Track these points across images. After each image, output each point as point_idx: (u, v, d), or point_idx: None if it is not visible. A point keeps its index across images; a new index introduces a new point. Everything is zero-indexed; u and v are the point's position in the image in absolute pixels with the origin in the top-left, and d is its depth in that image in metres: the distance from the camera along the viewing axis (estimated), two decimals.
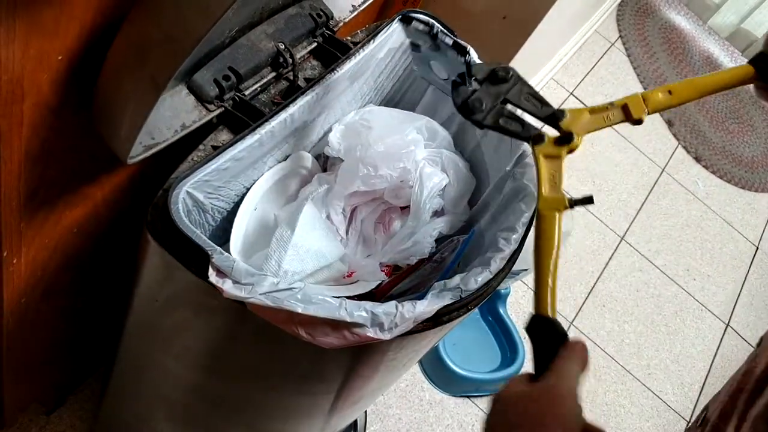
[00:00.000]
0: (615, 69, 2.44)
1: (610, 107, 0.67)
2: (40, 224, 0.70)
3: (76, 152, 0.65)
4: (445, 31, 0.90)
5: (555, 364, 0.55)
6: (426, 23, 0.88)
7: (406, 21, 0.89)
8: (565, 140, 0.66)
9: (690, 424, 1.27)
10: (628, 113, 0.67)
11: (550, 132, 0.68)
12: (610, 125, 0.67)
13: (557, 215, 0.63)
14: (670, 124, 2.43)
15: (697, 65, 2.67)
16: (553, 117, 0.67)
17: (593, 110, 0.67)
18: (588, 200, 0.64)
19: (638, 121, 0.67)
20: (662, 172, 2.25)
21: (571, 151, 0.66)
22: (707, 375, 1.82)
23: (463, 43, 0.92)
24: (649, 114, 0.67)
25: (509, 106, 0.69)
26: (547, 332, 0.57)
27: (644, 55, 2.57)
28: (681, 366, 1.80)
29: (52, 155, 0.62)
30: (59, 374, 1.10)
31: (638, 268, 1.95)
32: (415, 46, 0.92)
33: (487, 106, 0.67)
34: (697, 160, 2.38)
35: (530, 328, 0.58)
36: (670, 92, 0.67)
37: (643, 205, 2.11)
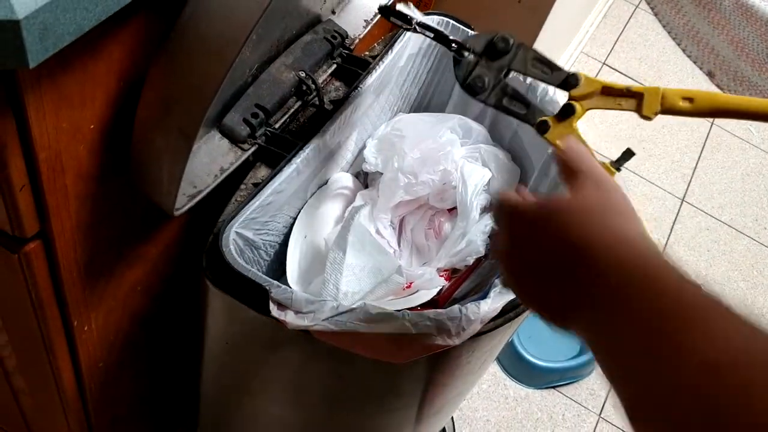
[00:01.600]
0: (644, 30, 2.38)
1: (626, 93, 0.62)
2: (103, 289, 0.71)
3: (125, 214, 0.67)
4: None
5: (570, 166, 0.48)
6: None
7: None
8: (567, 113, 0.62)
9: None
10: (640, 106, 0.62)
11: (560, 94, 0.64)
12: (619, 110, 0.62)
13: None
14: (711, 75, 2.36)
15: (728, 11, 2.59)
16: (567, 84, 0.62)
17: (607, 89, 0.62)
18: (628, 155, 0.60)
19: (647, 118, 0.62)
20: (712, 125, 2.18)
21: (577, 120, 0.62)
22: None
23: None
24: (658, 114, 0.61)
25: (513, 82, 0.64)
26: None
27: (671, 11, 2.50)
28: None
29: (102, 221, 0.64)
30: (147, 429, 1.13)
31: (705, 228, 1.89)
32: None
33: (490, 83, 0.63)
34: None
35: None
36: (690, 100, 0.61)
37: (697, 162, 2.05)
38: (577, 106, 0.62)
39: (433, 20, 0.90)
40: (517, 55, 0.63)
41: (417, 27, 0.68)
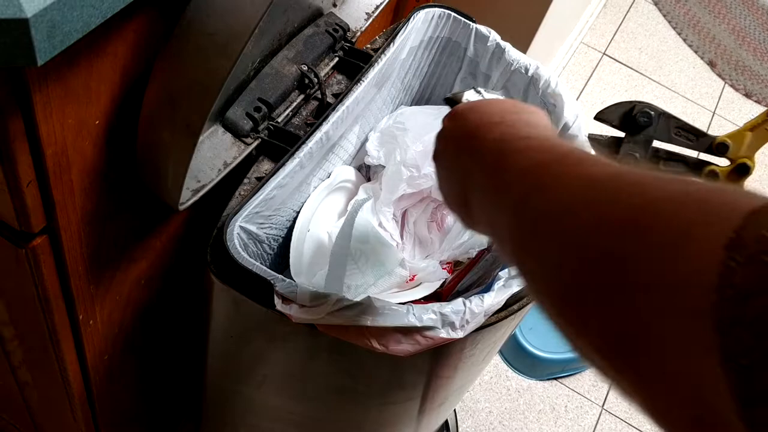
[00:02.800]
0: (644, 20, 2.38)
1: None
2: (108, 282, 0.72)
3: (130, 208, 0.67)
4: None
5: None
6: None
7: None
8: (743, 171, 0.61)
9: None
10: None
11: (713, 159, 0.62)
12: None
13: None
14: (712, 65, 2.36)
15: (729, 1, 2.58)
16: (717, 150, 0.62)
17: (752, 127, 0.62)
18: None
19: None
20: (713, 115, 2.18)
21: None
22: None
23: (485, 29, 0.91)
24: None
25: (659, 144, 0.63)
26: None
27: (672, 0, 2.49)
28: None
29: (108, 216, 0.64)
30: (152, 421, 1.13)
31: None
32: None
33: (641, 156, 0.62)
34: (748, 96, 2.29)
35: None
36: None
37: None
38: (749, 163, 0.61)
39: (434, 12, 0.90)
40: (659, 125, 0.62)
41: None
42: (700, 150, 0.62)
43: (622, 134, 0.65)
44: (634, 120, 0.61)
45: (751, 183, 1.99)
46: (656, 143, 0.62)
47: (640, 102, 0.61)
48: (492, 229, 0.42)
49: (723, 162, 0.63)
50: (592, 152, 0.46)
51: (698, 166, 0.62)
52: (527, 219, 0.36)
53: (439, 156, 0.52)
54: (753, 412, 0.23)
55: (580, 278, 0.31)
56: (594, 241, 0.31)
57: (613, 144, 0.64)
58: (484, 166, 0.42)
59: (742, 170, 0.61)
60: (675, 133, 0.61)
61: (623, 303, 0.29)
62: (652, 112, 0.61)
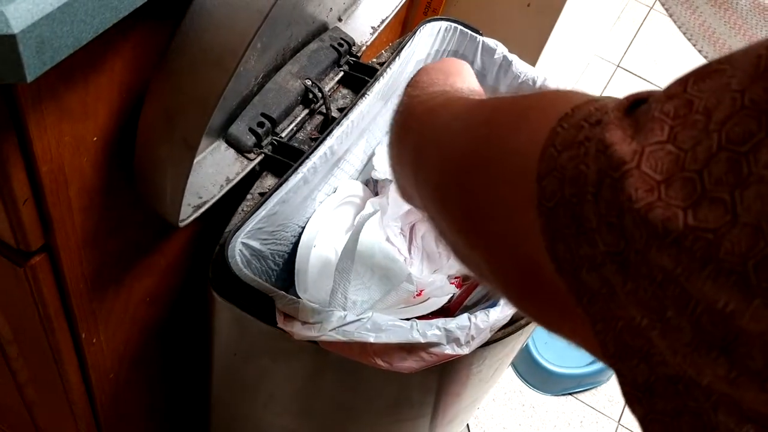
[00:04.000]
0: (659, 32, 2.36)
1: None
2: (111, 301, 0.71)
3: (131, 226, 0.67)
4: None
5: None
6: None
7: None
8: None
9: None
10: None
11: None
12: None
13: None
14: None
15: (744, 11, 2.56)
16: None
17: None
18: None
19: None
20: None
21: None
22: None
23: (492, 41, 0.90)
24: None
25: None
26: None
27: (686, 11, 2.48)
28: None
29: (108, 234, 0.64)
30: None
31: None
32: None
33: None
34: None
35: None
36: None
37: None
38: None
39: (441, 26, 0.90)
40: None
41: None
42: None
43: None
44: None
45: None
46: None
47: None
48: (402, 171, 0.49)
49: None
50: None
51: None
52: (420, 147, 0.45)
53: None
54: (554, 246, 0.29)
55: (446, 176, 0.39)
56: (456, 146, 0.39)
57: None
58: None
59: None
60: None
61: (475, 183, 0.36)
62: None
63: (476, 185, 0.36)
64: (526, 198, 0.30)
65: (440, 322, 0.64)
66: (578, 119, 0.29)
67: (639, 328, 0.26)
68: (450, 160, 0.39)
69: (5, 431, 1.01)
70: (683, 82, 0.26)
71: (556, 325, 0.33)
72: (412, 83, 0.54)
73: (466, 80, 0.54)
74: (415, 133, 0.46)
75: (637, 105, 0.28)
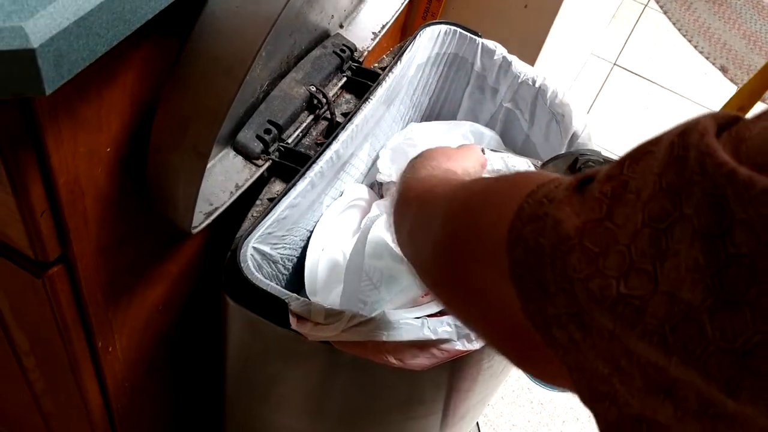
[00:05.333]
0: (654, 29, 2.37)
1: None
2: (126, 309, 0.72)
3: (144, 234, 0.68)
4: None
5: None
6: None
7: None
8: None
9: None
10: None
11: None
12: None
13: None
14: (724, 70, 2.35)
15: (739, 5, 2.58)
16: None
17: None
18: None
19: None
20: None
21: None
22: None
23: (491, 43, 0.92)
24: None
25: None
26: None
27: (681, 8, 2.49)
28: None
29: (122, 242, 0.65)
30: None
31: None
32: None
33: None
34: (762, 100, 2.28)
35: None
36: None
37: None
38: None
39: (440, 29, 0.91)
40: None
41: None
42: None
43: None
44: (579, 172, 0.60)
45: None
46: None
47: (582, 153, 0.61)
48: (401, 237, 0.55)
49: None
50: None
51: None
52: (412, 231, 0.50)
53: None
54: (528, 307, 0.32)
55: (435, 258, 0.44)
56: (441, 229, 0.44)
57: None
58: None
59: None
60: None
61: (459, 261, 0.41)
62: (594, 164, 0.60)
63: (460, 263, 0.41)
64: (502, 268, 0.34)
65: (450, 318, 0.65)
66: (540, 196, 0.33)
67: (603, 375, 0.29)
68: (436, 243, 0.44)
69: None
70: (621, 164, 0.29)
71: (552, 377, 0.36)
72: (417, 161, 0.59)
73: (462, 164, 0.59)
74: (409, 217, 0.51)
75: (585, 183, 0.31)
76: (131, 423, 0.88)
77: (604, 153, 0.81)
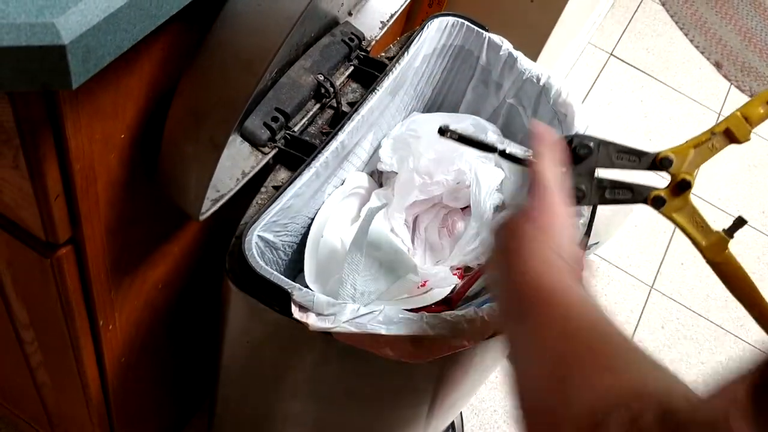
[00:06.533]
0: (651, 21, 2.38)
1: (712, 136, 0.62)
2: (128, 288, 0.73)
3: (150, 217, 0.69)
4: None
5: (530, 178, 0.56)
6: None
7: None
8: (683, 188, 0.62)
9: None
10: (732, 136, 0.62)
11: (656, 182, 0.64)
12: (717, 153, 0.63)
13: (728, 254, 0.61)
14: (718, 66, 2.36)
15: (736, 1, 2.58)
16: (660, 166, 0.62)
17: (696, 143, 0.63)
18: (741, 222, 0.62)
19: (745, 141, 0.62)
20: (718, 116, 2.19)
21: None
22: None
23: (497, 38, 0.92)
24: (751, 131, 0.62)
25: (603, 173, 0.63)
26: None
27: (679, 1, 2.50)
28: None
29: (130, 225, 0.65)
30: (165, 419, 1.15)
31: (711, 220, 1.89)
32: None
33: (587, 188, 0.62)
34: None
35: None
36: None
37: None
38: (689, 178, 0.62)
39: (448, 21, 0.91)
40: (600, 154, 0.62)
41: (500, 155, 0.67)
42: (643, 169, 0.62)
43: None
44: (574, 152, 0.61)
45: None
46: (600, 173, 0.63)
47: (576, 135, 0.62)
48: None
49: (666, 177, 0.63)
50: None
51: (643, 192, 0.63)
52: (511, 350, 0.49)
53: (488, 259, 0.59)
54: None
55: (523, 415, 0.44)
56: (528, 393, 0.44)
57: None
58: (505, 296, 0.53)
59: (683, 186, 0.62)
60: (616, 157, 0.62)
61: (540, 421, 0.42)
62: (591, 143, 0.61)
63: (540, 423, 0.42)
64: None
65: (449, 315, 0.67)
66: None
67: None
68: (523, 390, 0.45)
69: (17, 415, 1.03)
70: None
71: None
72: (515, 245, 0.53)
73: (558, 241, 0.53)
74: (522, 330, 0.49)
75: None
76: (125, 397, 0.89)
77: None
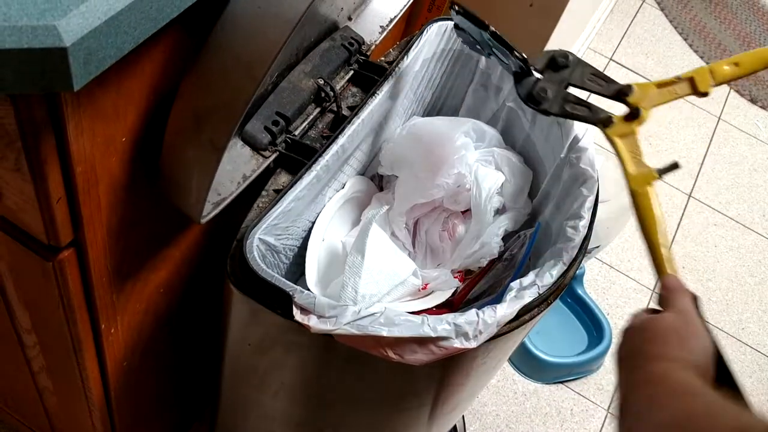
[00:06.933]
0: (650, 26, 2.39)
1: (677, 81, 0.68)
2: (130, 291, 0.74)
3: (152, 221, 0.69)
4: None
5: (666, 299, 0.58)
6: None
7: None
8: (633, 116, 0.67)
9: None
10: (694, 86, 0.67)
11: (618, 111, 0.68)
12: (677, 98, 0.68)
13: (650, 189, 0.65)
14: None
15: (735, 6, 2.59)
16: (621, 93, 0.68)
17: (660, 84, 0.68)
18: (674, 166, 0.65)
19: (704, 94, 0.67)
20: (718, 120, 2.19)
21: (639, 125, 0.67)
22: None
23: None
24: (714, 86, 0.67)
25: (573, 91, 0.69)
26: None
27: (678, 6, 2.51)
28: None
29: (131, 228, 0.66)
30: (167, 423, 1.15)
31: (712, 223, 1.90)
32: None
33: (552, 94, 0.68)
34: (753, 101, 2.30)
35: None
36: (736, 64, 0.67)
37: (704, 158, 2.06)
38: (642, 110, 0.67)
39: (448, 25, 0.92)
40: (575, 71, 0.69)
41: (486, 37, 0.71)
42: (609, 94, 0.68)
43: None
44: (554, 60, 0.68)
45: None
46: (570, 90, 0.68)
47: (560, 50, 0.69)
48: None
49: (622, 111, 0.68)
50: None
51: (599, 114, 0.68)
52: None
53: (618, 360, 0.58)
54: None
55: None
56: None
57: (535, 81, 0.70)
58: (634, 395, 0.52)
59: (634, 115, 0.67)
60: (588, 78, 0.68)
61: None
62: (571, 57, 0.68)
63: None
64: None
65: (450, 317, 0.67)
66: None
67: None
68: None
69: (19, 420, 1.03)
70: None
71: None
72: (645, 347, 0.54)
73: (694, 357, 0.53)
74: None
75: None
76: (127, 400, 0.89)
77: (598, 150, 0.83)
